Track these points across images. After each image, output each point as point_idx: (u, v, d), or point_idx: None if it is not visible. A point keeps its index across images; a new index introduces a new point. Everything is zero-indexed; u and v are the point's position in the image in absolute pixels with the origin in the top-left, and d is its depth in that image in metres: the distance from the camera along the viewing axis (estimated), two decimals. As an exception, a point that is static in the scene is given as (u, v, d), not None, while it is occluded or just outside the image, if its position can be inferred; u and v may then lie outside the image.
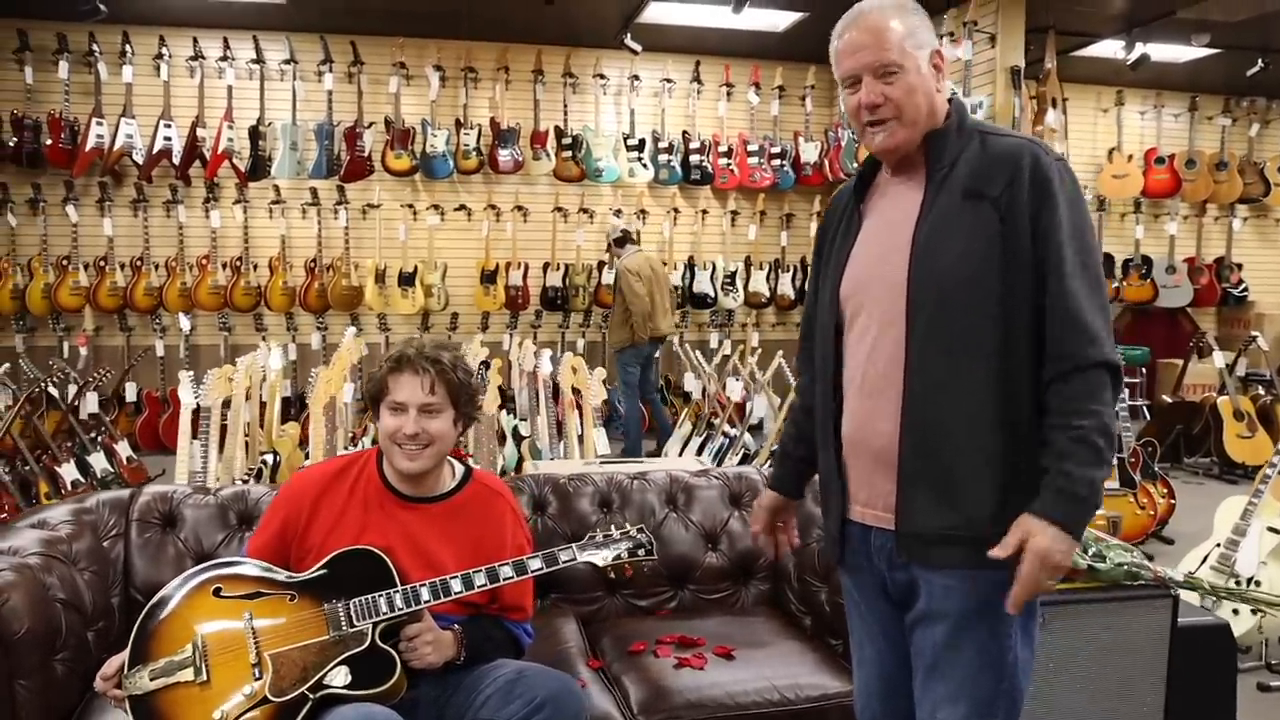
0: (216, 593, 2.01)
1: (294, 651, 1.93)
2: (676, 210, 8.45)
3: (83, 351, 7.27)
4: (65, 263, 7.38)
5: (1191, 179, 8.84)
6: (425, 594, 2.00)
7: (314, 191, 7.72)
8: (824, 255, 1.87)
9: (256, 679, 1.90)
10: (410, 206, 7.98)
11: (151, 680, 1.90)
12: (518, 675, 2.02)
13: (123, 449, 5.69)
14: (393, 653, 1.96)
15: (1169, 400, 7.26)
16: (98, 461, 5.30)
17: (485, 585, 2.04)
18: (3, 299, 7.28)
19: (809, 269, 1.78)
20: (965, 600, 1.64)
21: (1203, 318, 9.50)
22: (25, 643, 2.01)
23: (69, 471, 5.04)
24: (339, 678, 1.91)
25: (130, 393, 7.19)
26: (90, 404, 5.94)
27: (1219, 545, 3.81)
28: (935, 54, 1.70)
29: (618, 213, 8.30)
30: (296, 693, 1.89)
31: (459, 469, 2.25)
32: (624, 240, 6.98)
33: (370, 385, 2.17)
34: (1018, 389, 1.61)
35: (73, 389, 5.92)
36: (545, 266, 8.15)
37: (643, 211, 8.38)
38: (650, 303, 6.76)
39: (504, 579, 2.05)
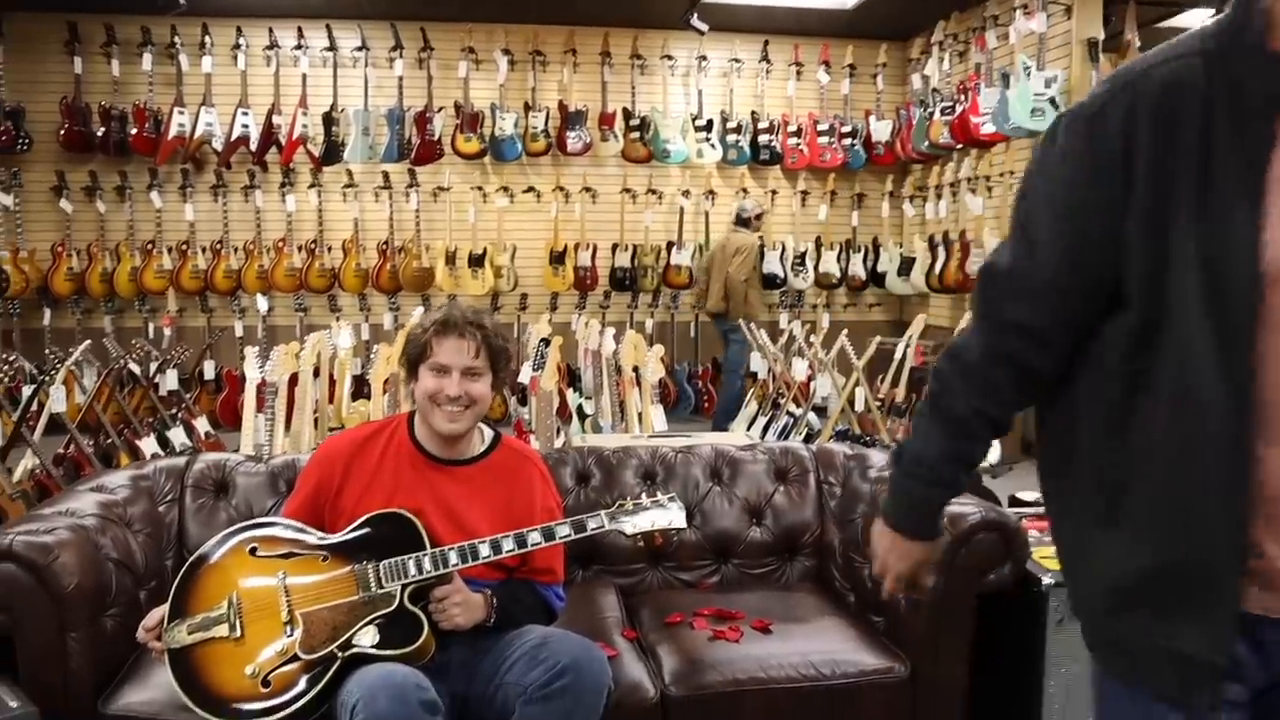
0: (253, 552, 2.07)
1: (324, 611, 1.98)
2: (745, 191, 8.37)
3: (167, 332, 7.53)
4: (150, 247, 7.66)
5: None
6: (453, 557, 2.03)
7: (386, 175, 7.86)
8: (1160, 199, 1.15)
9: (288, 636, 1.95)
10: (480, 189, 8.07)
11: (189, 634, 1.96)
12: (543, 641, 2.04)
13: (201, 425, 5.89)
14: (421, 614, 2.00)
15: None
16: (176, 436, 5.49)
17: (514, 551, 2.06)
18: (93, 282, 7.59)
19: (1058, 220, 1.14)
20: None
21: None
22: (75, 597, 2.09)
23: (149, 445, 5.22)
24: (367, 638, 1.95)
25: (209, 371, 7.43)
26: (170, 381, 6.14)
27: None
28: None
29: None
30: (326, 651, 1.93)
31: (488, 434, 2.28)
32: (736, 220, 7.47)
33: (411, 347, 2.20)
34: None
35: (154, 367, 6.14)
36: (614, 247, 8.16)
37: (711, 192, 8.32)
38: (705, 282, 7.31)
39: (532, 545, 2.07)
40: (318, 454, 2.26)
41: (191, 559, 2.09)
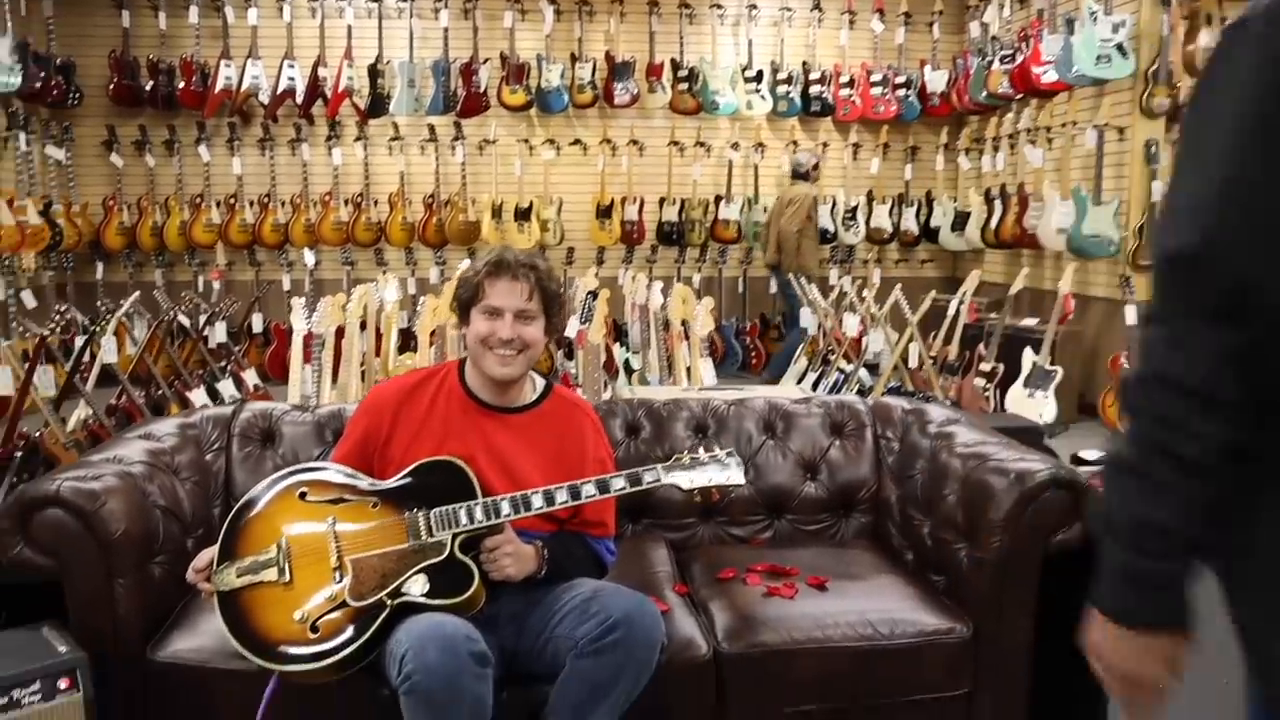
0: (302, 496, 2.04)
1: (373, 558, 1.94)
2: (795, 144, 8.19)
3: (216, 286, 7.57)
4: (199, 201, 7.69)
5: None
6: (505, 507, 1.98)
7: (431, 128, 7.79)
8: None
9: (337, 582, 1.92)
10: (526, 142, 7.98)
11: (238, 577, 1.94)
12: (594, 594, 1.99)
13: (250, 377, 5.91)
14: (471, 564, 1.95)
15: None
16: (226, 388, 5.51)
17: (567, 502, 2.01)
18: (143, 236, 7.65)
19: (1252, 166, 0.86)
20: None
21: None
22: (122, 544, 2.08)
23: (198, 397, 5.24)
24: (416, 586, 1.91)
25: (257, 324, 7.46)
26: (219, 334, 6.18)
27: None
28: None
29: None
30: (375, 598, 1.90)
31: (539, 382, 2.23)
32: (792, 174, 7.35)
33: (463, 290, 2.14)
34: None
35: (203, 319, 6.17)
36: (661, 201, 8.05)
37: (760, 145, 8.15)
38: (766, 235, 7.37)
39: (586, 497, 2.01)
40: (366, 401, 2.22)
41: (241, 501, 2.07)
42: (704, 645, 2.19)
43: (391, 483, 2.05)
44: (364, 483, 2.06)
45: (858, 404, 2.99)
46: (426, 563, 1.93)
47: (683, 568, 2.61)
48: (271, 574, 1.93)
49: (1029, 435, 3.35)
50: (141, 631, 2.11)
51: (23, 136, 6.97)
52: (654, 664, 1.94)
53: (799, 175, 7.30)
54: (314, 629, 1.88)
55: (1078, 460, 3.22)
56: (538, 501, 1.98)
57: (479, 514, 1.96)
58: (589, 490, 2.00)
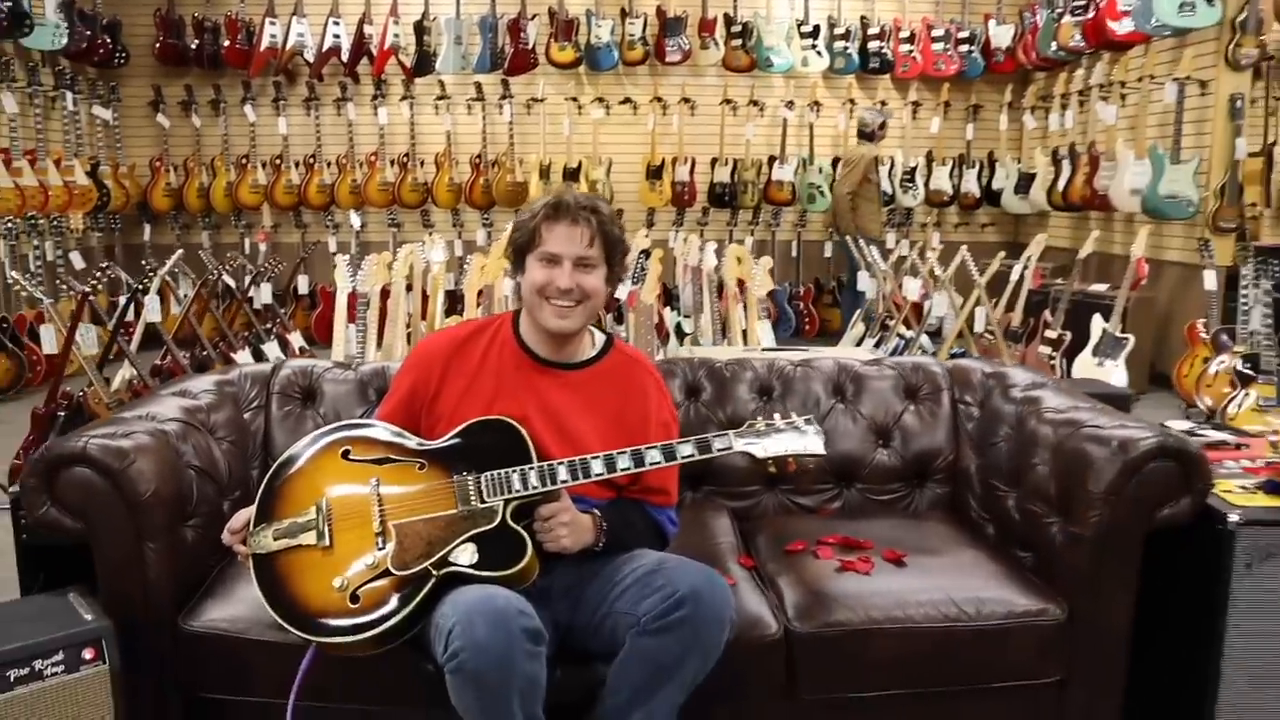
0: (345, 455, 1.89)
1: (419, 524, 1.79)
2: (852, 102, 7.91)
3: (262, 247, 7.49)
4: (245, 161, 7.60)
5: None
6: (563, 473, 1.81)
7: (478, 86, 7.62)
8: None
9: (379, 549, 1.77)
10: (574, 100, 7.78)
11: (275, 540, 1.80)
12: (657, 566, 1.82)
13: (295, 339, 5.83)
14: (524, 534, 1.79)
15: None
16: (271, 350, 5.44)
17: (629, 469, 1.83)
18: (190, 197, 7.59)
19: None
20: None
21: None
22: (152, 505, 1.95)
23: (243, 359, 5.17)
24: (465, 556, 1.75)
25: (303, 286, 7.39)
26: (265, 295, 6.10)
27: None
28: None
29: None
30: (420, 567, 1.74)
31: (599, 337, 2.05)
32: (858, 134, 7.10)
33: (519, 235, 1.96)
34: None
35: (248, 280, 6.10)
36: (713, 162, 7.83)
37: (816, 104, 7.87)
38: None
39: (650, 464, 1.83)
40: (414, 353, 2.06)
41: (280, 459, 1.93)
42: (773, 623, 2.01)
43: (440, 443, 1.90)
44: (411, 442, 1.91)
45: (933, 366, 2.78)
46: (476, 531, 1.77)
47: (746, 539, 2.44)
48: (310, 537, 1.79)
49: (1116, 402, 3.11)
50: (173, 598, 1.99)
51: (69, 96, 6.91)
52: (722, 644, 1.77)
53: (864, 135, 7.04)
54: (354, 598, 1.73)
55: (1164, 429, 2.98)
56: (598, 467, 1.81)
57: (534, 479, 1.80)
58: (654, 457, 1.82)
